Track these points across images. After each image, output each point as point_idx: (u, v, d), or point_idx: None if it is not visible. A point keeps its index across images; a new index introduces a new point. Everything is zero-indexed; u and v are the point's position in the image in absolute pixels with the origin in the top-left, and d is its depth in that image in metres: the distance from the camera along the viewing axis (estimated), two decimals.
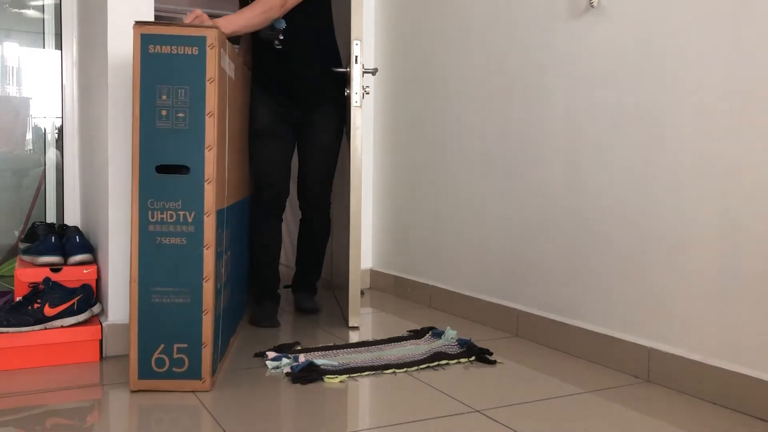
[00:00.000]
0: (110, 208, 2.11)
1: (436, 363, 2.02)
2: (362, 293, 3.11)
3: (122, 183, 2.11)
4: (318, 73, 2.53)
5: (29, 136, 3.05)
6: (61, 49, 2.92)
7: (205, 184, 1.74)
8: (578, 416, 1.63)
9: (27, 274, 2.16)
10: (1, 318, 1.95)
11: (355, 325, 2.49)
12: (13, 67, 3.01)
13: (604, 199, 2.06)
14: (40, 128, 3.04)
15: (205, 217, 1.74)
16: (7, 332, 1.95)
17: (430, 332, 2.32)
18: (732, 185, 1.70)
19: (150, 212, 1.73)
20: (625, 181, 1.98)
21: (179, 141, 1.73)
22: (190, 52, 1.72)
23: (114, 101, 2.10)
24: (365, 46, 3.24)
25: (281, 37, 2.37)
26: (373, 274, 3.33)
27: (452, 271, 2.78)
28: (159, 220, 1.73)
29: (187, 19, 1.90)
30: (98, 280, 2.26)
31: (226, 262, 1.99)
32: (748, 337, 1.66)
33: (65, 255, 2.24)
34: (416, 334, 2.33)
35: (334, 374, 1.90)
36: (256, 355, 2.10)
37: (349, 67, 2.46)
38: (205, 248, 1.74)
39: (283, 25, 2.32)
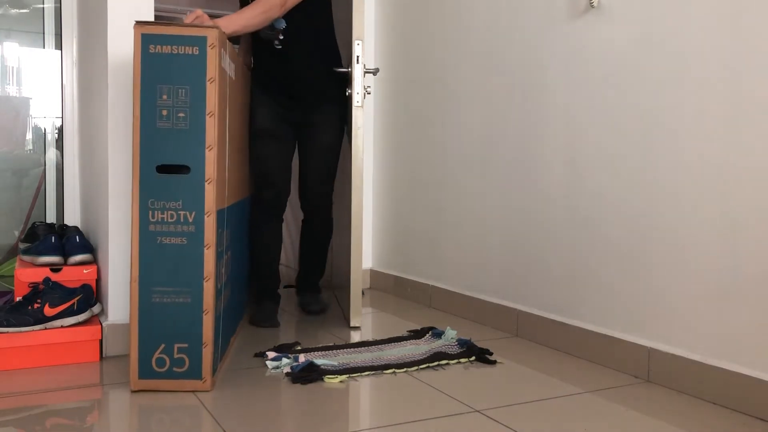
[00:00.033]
0: (110, 208, 2.11)
1: (436, 363, 2.02)
2: (362, 293, 3.10)
3: (122, 183, 2.11)
4: (318, 73, 2.53)
5: (29, 136, 3.05)
6: (61, 49, 2.92)
7: (206, 184, 1.74)
8: (578, 416, 1.63)
9: (27, 274, 2.16)
10: (1, 318, 1.95)
11: (357, 325, 2.49)
12: (13, 67, 3.01)
13: (604, 199, 2.06)
14: (40, 128, 3.04)
15: (205, 217, 1.74)
16: (7, 332, 1.95)
17: (430, 332, 2.32)
18: (732, 185, 1.70)
19: (150, 212, 1.73)
20: (625, 181, 1.99)
21: (180, 141, 1.73)
22: (190, 52, 1.72)
23: (114, 101, 2.10)
24: (366, 46, 3.24)
25: (281, 37, 2.37)
26: (373, 274, 3.33)
27: (452, 271, 2.79)
28: (159, 220, 1.73)
29: (188, 19, 1.90)
30: (98, 280, 2.26)
31: (226, 262, 1.99)
32: (748, 337, 1.66)
33: (65, 255, 2.24)
34: (416, 334, 2.33)
35: (334, 374, 1.90)
36: (256, 355, 2.11)
37: (351, 67, 2.46)
38: (205, 248, 1.74)
39: (283, 25, 2.32)
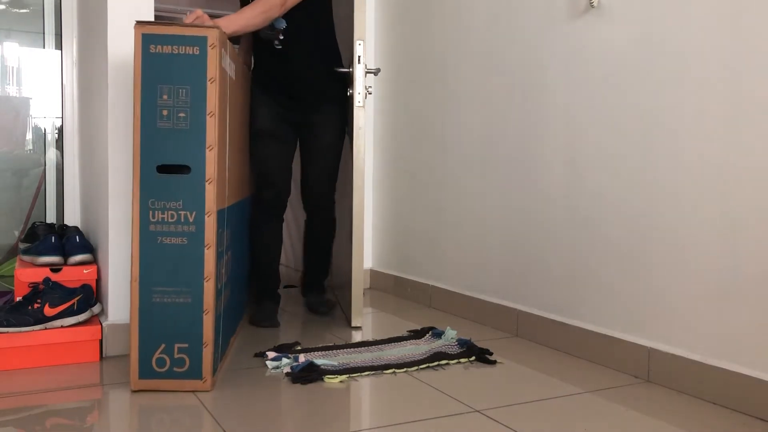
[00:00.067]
0: (110, 208, 2.11)
1: (436, 363, 2.02)
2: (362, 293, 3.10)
3: (122, 183, 2.11)
4: (318, 73, 2.52)
5: (29, 136, 3.05)
6: (61, 49, 2.92)
7: (206, 184, 1.74)
8: (578, 416, 1.63)
9: (27, 274, 2.16)
10: (1, 318, 1.95)
11: (358, 325, 2.49)
12: (13, 67, 3.01)
13: (604, 199, 2.06)
14: (40, 128, 3.04)
15: (206, 217, 1.74)
16: (7, 332, 1.94)
17: (430, 332, 2.32)
18: (732, 185, 1.70)
19: (151, 212, 1.73)
20: (625, 181, 1.99)
21: (180, 141, 1.73)
22: (191, 52, 1.73)
23: (114, 101, 2.10)
24: (366, 46, 3.24)
25: (281, 37, 2.36)
26: (373, 274, 3.33)
27: (452, 271, 2.79)
28: (160, 219, 1.73)
29: (188, 19, 1.90)
30: (98, 280, 2.26)
31: (226, 262, 1.99)
32: (748, 337, 1.66)
33: (65, 255, 2.24)
34: (416, 334, 2.33)
35: (334, 374, 1.90)
36: (256, 355, 2.10)
37: (352, 68, 2.46)
38: (206, 248, 1.74)
39: (283, 24, 2.32)
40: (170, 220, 1.73)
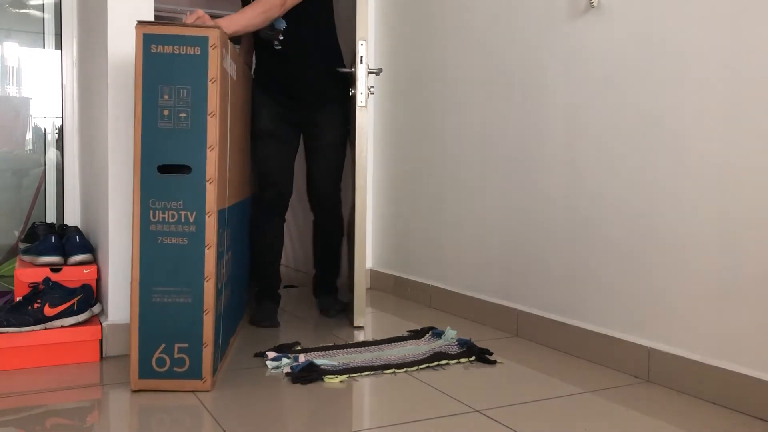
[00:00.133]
0: (110, 208, 2.11)
1: (436, 363, 2.02)
2: None
3: (122, 183, 2.11)
4: (318, 73, 2.52)
5: (29, 136, 3.05)
6: (61, 49, 2.92)
7: (207, 184, 1.74)
8: (578, 416, 1.64)
9: (27, 274, 2.16)
10: (1, 318, 1.95)
11: (361, 324, 2.49)
12: (13, 67, 3.01)
13: (604, 199, 2.06)
14: (40, 128, 3.04)
15: (206, 217, 1.74)
16: (7, 332, 1.94)
17: (430, 332, 2.32)
18: (732, 185, 1.70)
19: (151, 212, 1.73)
20: (625, 181, 1.99)
21: (181, 141, 1.73)
22: (192, 52, 1.73)
23: (114, 101, 2.10)
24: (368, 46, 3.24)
25: (281, 38, 2.37)
26: (373, 274, 3.33)
27: (452, 271, 2.79)
28: (160, 219, 1.73)
29: (189, 19, 1.90)
30: (98, 280, 2.26)
31: (227, 262, 1.99)
32: (748, 337, 1.66)
33: (65, 255, 2.24)
34: (416, 334, 2.33)
35: (334, 374, 1.90)
36: (256, 355, 2.11)
37: (354, 68, 2.46)
38: (206, 248, 1.74)
39: (283, 25, 2.32)
40: (171, 220, 1.73)
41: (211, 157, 1.74)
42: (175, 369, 1.75)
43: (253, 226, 2.59)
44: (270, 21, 2.25)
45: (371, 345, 2.21)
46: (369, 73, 2.48)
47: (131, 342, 1.74)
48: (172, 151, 1.73)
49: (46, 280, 2.07)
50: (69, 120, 2.91)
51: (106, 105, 2.11)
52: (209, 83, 1.73)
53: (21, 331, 1.96)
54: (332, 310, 2.68)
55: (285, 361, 1.99)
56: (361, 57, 2.43)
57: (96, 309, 2.12)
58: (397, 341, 2.26)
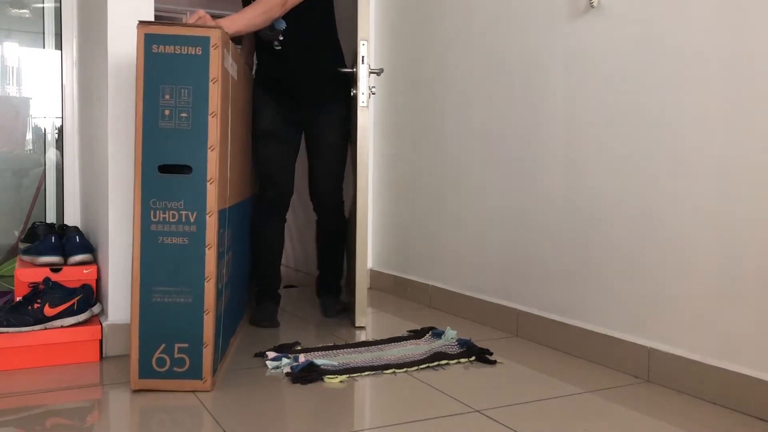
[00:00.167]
0: (110, 208, 2.11)
1: (436, 363, 2.02)
2: None
3: (122, 183, 2.11)
4: (318, 73, 2.52)
5: (29, 136, 3.05)
6: (61, 49, 2.92)
7: (208, 184, 1.74)
8: (578, 416, 1.64)
9: (27, 274, 2.16)
10: (1, 318, 1.95)
11: (362, 324, 2.49)
12: (13, 67, 3.01)
13: (604, 198, 2.06)
14: (40, 128, 3.04)
15: (207, 217, 1.74)
16: (7, 332, 1.94)
17: (430, 332, 2.32)
18: (732, 185, 1.70)
19: (152, 212, 1.73)
20: (625, 181, 1.99)
21: (182, 141, 1.73)
22: (193, 52, 1.73)
23: (114, 101, 2.10)
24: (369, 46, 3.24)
25: (281, 38, 2.37)
26: (373, 274, 3.33)
27: (452, 271, 2.79)
28: (161, 219, 1.73)
29: (191, 20, 1.90)
30: (98, 280, 2.26)
31: (227, 262, 1.99)
32: (748, 337, 1.66)
33: (65, 255, 2.24)
34: (416, 334, 2.33)
35: (334, 374, 1.90)
36: (256, 355, 2.11)
37: (356, 68, 2.45)
38: (207, 248, 1.74)
39: (282, 25, 2.33)
40: (171, 220, 1.73)
41: (212, 157, 1.74)
42: (175, 369, 1.75)
43: (254, 225, 2.59)
44: (271, 21, 2.25)
45: (371, 345, 2.21)
46: (370, 73, 2.47)
47: (131, 342, 1.74)
48: (173, 151, 1.73)
49: (46, 280, 2.07)
50: (69, 120, 2.91)
51: (106, 105, 2.11)
52: (210, 83, 1.73)
53: (21, 331, 1.96)
54: (332, 310, 2.68)
55: (285, 361, 1.99)
56: (363, 57, 2.42)
57: (96, 309, 2.12)
58: (397, 341, 2.26)
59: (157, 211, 1.73)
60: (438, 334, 2.29)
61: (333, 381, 1.88)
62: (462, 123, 2.72)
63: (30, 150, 3.05)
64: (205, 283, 1.74)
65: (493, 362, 2.05)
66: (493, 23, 2.54)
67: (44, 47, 3.01)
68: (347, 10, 2.58)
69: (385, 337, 2.32)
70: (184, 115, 1.73)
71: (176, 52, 1.72)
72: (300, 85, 2.51)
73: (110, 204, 2.10)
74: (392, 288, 3.18)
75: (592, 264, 2.11)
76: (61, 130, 2.95)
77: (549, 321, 2.25)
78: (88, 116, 2.58)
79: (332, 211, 2.65)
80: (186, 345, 1.74)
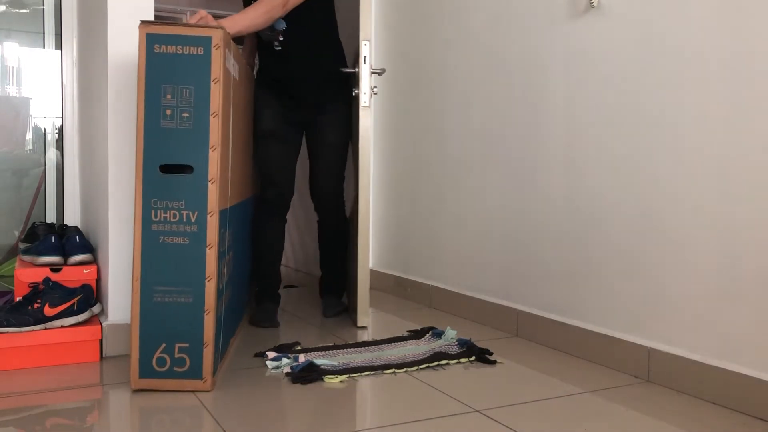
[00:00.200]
0: (110, 208, 2.10)
1: (436, 363, 2.02)
2: None
3: (122, 183, 2.11)
4: (319, 73, 2.52)
5: (29, 136, 3.05)
6: (61, 49, 2.92)
7: (209, 184, 1.74)
8: (578, 416, 1.64)
9: (27, 274, 2.16)
10: (1, 318, 1.95)
11: (364, 324, 2.48)
12: (13, 67, 3.01)
13: (604, 198, 2.07)
14: (40, 128, 3.04)
15: (208, 216, 1.74)
16: (7, 332, 1.94)
17: (430, 332, 2.33)
18: (732, 185, 1.70)
19: (153, 211, 1.73)
20: (625, 181, 1.99)
21: (183, 141, 1.73)
22: (195, 53, 1.73)
23: (114, 101, 2.10)
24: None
25: (281, 38, 2.37)
26: (373, 274, 3.33)
27: (452, 271, 2.79)
28: (162, 219, 1.73)
29: (192, 20, 1.90)
30: (98, 280, 2.26)
31: (228, 262, 1.99)
32: (748, 337, 1.67)
33: (65, 255, 2.24)
34: (416, 334, 2.34)
35: (334, 374, 1.90)
36: (256, 355, 2.11)
37: (358, 68, 2.45)
38: (207, 248, 1.74)
39: (283, 26, 2.33)
40: (172, 220, 1.73)
41: (213, 157, 1.74)
42: (175, 369, 1.75)
43: (255, 225, 2.59)
44: (272, 21, 2.25)
45: (371, 345, 2.21)
46: (372, 73, 2.47)
47: (132, 341, 1.74)
48: (174, 151, 1.73)
49: (46, 280, 2.07)
50: (69, 120, 2.90)
51: (106, 105, 2.11)
52: (212, 83, 1.73)
53: (21, 331, 1.95)
54: (332, 310, 2.68)
55: (285, 361, 1.99)
56: (365, 57, 2.42)
57: (96, 309, 2.12)
58: (397, 341, 2.26)
59: (158, 211, 1.73)
60: (438, 334, 2.29)
61: (333, 381, 1.88)
62: (462, 123, 2.72)
63: (30, 150, 3.05)
64: (206, 283, 1.74)
65: (493, 362, 2.06)
66: (493, 23, 2.54)
67: (44, 47, 3.01)
68: (347, 10, 2.58)
69: (385, 337, 2.32)
70: (185, 114, 1.73)
71: (178, 52, 1.72)
72: (300, 85, 2.51)
73: (110, 204, 2.10)
74: (392, 288, 3.18)
75: (592, 264, 2.11)
76: (61, 130, 2.95)
77: (549, 321, 2.25)
78: (88, 116, 2.58)
79: (333, 211, 2.65)
80: (186, 345, 1.74)
